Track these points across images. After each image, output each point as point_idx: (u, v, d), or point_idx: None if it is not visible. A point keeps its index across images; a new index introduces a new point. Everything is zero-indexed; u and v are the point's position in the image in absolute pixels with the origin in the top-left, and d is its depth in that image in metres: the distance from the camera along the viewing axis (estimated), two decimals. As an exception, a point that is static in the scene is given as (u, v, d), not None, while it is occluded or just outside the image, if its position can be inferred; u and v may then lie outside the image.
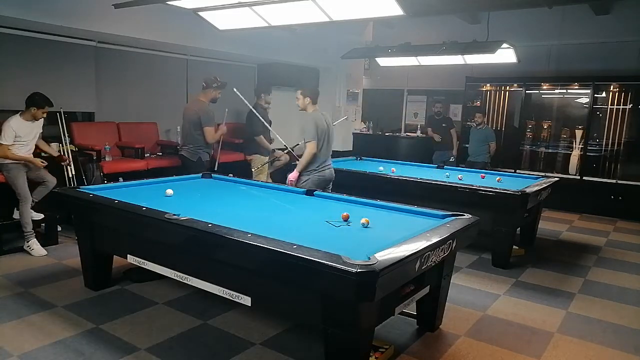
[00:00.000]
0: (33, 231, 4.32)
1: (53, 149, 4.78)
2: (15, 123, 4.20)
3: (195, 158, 5.17)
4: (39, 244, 4.31)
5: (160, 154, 6.44)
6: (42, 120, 4.41)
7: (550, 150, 7.75)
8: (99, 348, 2.72)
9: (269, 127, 5.69)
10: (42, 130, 4.53)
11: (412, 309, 3.06)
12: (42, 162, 4.36)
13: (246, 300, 2.52)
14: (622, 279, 4.29)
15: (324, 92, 8.58)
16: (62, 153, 4.87)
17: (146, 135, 6.39)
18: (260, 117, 5.56)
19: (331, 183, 4.53)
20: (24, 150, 4.29)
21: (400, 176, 4.91)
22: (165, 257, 2.97)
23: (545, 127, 7.79)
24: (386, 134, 9.24)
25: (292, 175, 4.29)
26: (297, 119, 6.79)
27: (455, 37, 6.03)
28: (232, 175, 4.67)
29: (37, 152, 4.71)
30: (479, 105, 8.19)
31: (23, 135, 4.23)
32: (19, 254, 4.27)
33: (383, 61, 7.02)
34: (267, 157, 6.00)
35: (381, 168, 5.52)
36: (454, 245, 2.70)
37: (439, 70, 7.63)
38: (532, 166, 7.80)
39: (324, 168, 4.38)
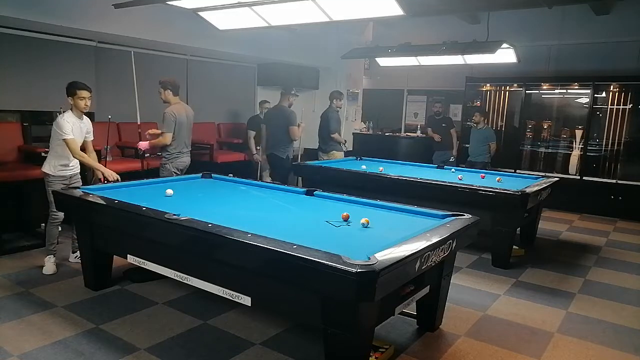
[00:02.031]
0: (56, 249, 4.01)
1: (100, 171, 4.13)
2: (68, 116, 3.87)
3: (285, 155, 5.91)
4: (54, 262, 3.96)
5: (160, 154, 6.44)
6: (89, 124, 4.07)
7: (550, 150, 7.75)
8: (99, 348, 2.72)
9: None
10: (92, 138, 4.11)
11: (412, 309, 3.06)
12: (114, 175, 3.98)
13: (246, 300, 2.52)
14: (622, 279, 4.29)
15: (324, 92, 8.58)
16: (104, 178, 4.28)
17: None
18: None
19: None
20: (64, 159, 3.92)
21: (401, 176, 4.91)
22: (165, 257, 2.97)
23: (545, 127, 7.78)
24: (386, 134, 9.23)
25: (143, 144, 4.91)
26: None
27: (455, 37, 6.03)
28: (232, 175, 4.66)
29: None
30: (479, 105, 8.20)
31: (75, 134, 3.88)
32: (19, 254, 4.27)
33: (383, 61, 7.02)
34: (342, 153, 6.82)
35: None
36: (454, 245, 2.70)
37: (439, 70, 7.63)
38: (532, 166, 7.79)
39: (184, 155, 4.96)
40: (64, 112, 3.96)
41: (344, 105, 8.49)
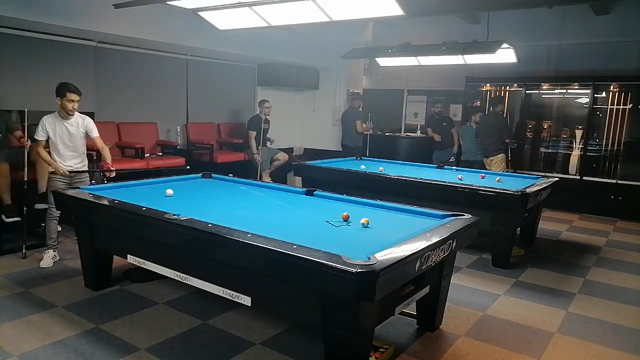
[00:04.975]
0: (56, 243, 4.15)
1: (108, 156, 4.22)
2: (48, 119, 3.94)
3: (354, 145, 7.63)
4: (52, 257, 4.08)
5: (160, 154, 6.45)
6: (82, 120, 4.08)
7: (550, 150, 7.75)
8: (99, 348, 2.73)
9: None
10: (96, 134, 4.12)
11: (412, 309, 3.06)
12: (65, 172, 3.99)
13: (246, 300, 2.52)
14: (622, 279, 4.29)
15: (324, 92, 8.57)
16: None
17: (146, 135, 6.40)
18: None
19: None
20: (58, 158, 4.01)
21: (401, 176, 4.91)
22: (165, 257, 2.97)
23: (545, 127, 7.79)
24: (386, 134, 9.23)
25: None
26: (297, 118, 6.82)
27: (455, 37, 6.03)
28: (232, 175, 4.66)
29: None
30: (479, 105, 8.20)
31: (53, 134, 3.95)
32: (19, 253, 4.26)
33: (383, 61, 7.02)
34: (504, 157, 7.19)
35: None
36: (454, 245, 2.70)
37: (439, 70, 7.62)
38: (532, 166, 7.79)
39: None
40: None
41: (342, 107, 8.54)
